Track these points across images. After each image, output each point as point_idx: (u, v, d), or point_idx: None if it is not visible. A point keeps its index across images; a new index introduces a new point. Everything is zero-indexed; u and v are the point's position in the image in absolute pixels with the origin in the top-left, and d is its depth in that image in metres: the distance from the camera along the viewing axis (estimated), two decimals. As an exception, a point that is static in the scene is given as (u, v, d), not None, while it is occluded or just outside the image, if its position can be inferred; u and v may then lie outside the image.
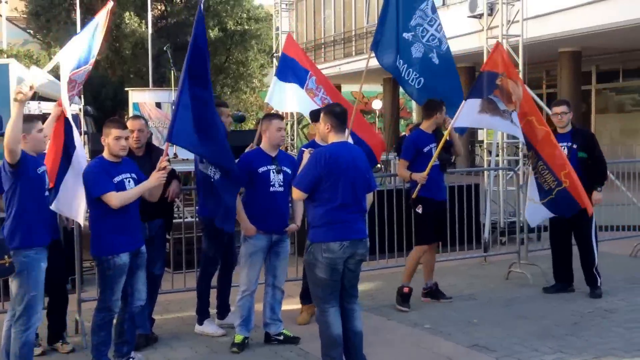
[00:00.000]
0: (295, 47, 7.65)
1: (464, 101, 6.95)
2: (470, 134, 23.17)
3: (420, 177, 6.67)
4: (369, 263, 7.75)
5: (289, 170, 5.69)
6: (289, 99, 7.32)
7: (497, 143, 10.39)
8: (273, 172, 5.64)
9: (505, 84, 6.98)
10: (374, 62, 7.63)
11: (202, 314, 6.15)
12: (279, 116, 6.05)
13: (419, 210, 6.80)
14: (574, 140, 7.12)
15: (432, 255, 7.09)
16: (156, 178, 5.03)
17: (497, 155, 10.49)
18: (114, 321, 5.16)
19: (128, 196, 4.98)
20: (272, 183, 5.63)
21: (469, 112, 6.95)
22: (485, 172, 10.85)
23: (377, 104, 29.44)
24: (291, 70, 7.34)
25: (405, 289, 6.82)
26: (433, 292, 7.06)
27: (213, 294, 6.27)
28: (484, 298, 7.16)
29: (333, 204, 4.79)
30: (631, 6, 15.92)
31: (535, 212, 7.32)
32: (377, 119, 33.03)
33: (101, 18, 5.87)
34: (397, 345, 5.77)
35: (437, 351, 5.60)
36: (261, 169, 5.64)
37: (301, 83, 7.33)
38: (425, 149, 6.79)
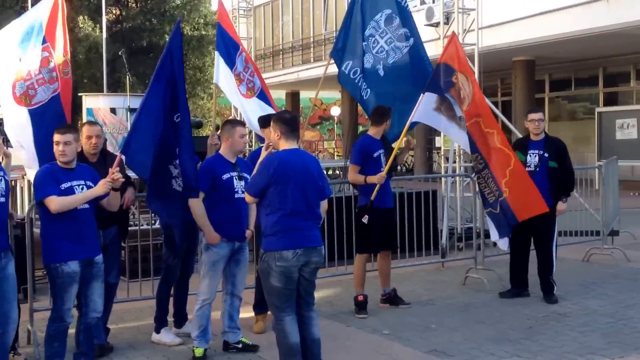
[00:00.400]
0: (226, 16, 7.71)
1: (422, 94, 6.88)
2: (427, 141, 23.43)
3: (379, 177, 6.62)
4: (327, 269, 7.78)
5: (248, 176, 5.65)
6: (227, 85, 7.36)
7: (454, 150, 10.51)
8: (236, 179, 5.60)
9: (458, 82, 6.91)
10: (332, 69, 7.67)
11: (161, 323, 6.06)
12: (241, 123, 6.01)
13: (365, 220, 6.79)
14: (546, 148, 7.16)
15: (386, 263, 7.09)
16: (102, 185, 4.91)
17: (454, 162, 10.62)
18: (71, 331, 5.05)
19: (69, 201, 4.84)
20: (235, 190, 5.58)
21: (425, 107, 6.89)
22: (443, 178, 10.98)
23: (335, 111, 29.58)
24: (224, 44, 7.35)
25: (360, 297, 6.81)
26: (392, 298, 7.08)
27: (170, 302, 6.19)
28: (442, 303, 7.21)
29: (284, 212, 4.76)
30: (583, 16, 16.31)
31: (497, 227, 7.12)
32: (335, 126, 33.13)
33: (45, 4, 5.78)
34: (356, 352, 5.77)
35: (396, 357, 5.61)
36: (225, 176, 5.57)
37: (231, 63, 7.33)
38: (375, 154, 6.78)
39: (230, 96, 7.61)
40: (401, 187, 9.56)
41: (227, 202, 5.55)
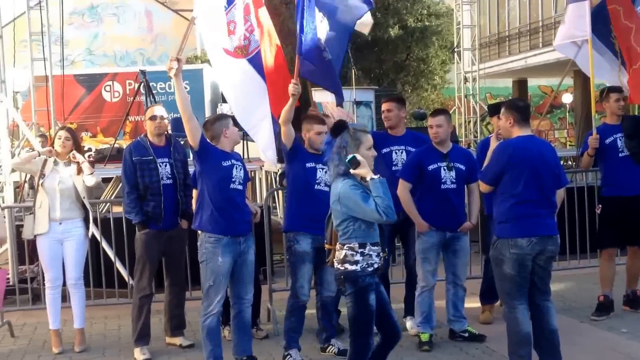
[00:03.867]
0: None
1: (589, 36, 6.43)
2: None
3: (591, 139, 6.27)
4: (558, 263, 7.43)
5: (462, 167, 5.63)
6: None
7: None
8: (444, 169, 5.60)
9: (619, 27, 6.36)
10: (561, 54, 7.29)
11: None
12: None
13: (598, 211, 6.38)
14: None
15: (632, 261, 6.44)
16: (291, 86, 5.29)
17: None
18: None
19: None
20: (443, 180, 5.60)
21: (601, 64, 6.48)
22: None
23: (567, 98, 28.08)
24: None
25: (600, 297, 6.31)
26: (630, 301, 6.45)
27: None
28: (689, 303, 6.60)
29: (517, 199, 4.68)
30: None
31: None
32: (567, 114, 31.52)
33: None
34: (589, 348, 5.50)
35: (635, 357, 5.26)
36: (431, 167, 5.62)
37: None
38: (608, 141, 6.30)
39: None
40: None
41: (434, 192, 5.59)
